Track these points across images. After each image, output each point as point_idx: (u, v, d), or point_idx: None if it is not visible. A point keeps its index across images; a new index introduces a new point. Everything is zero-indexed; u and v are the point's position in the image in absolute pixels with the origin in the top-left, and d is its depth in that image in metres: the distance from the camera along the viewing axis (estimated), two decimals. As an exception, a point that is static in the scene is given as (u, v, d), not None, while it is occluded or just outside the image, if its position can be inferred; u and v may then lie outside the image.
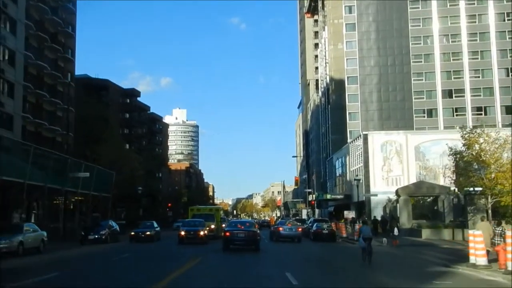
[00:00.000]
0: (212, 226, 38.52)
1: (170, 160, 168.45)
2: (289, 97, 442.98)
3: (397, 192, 52.55)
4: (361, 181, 68.12)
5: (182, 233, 33.37)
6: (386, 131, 69.08)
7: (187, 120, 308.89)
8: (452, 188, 46.61)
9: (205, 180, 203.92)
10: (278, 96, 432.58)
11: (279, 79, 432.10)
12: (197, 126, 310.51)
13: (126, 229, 52.13)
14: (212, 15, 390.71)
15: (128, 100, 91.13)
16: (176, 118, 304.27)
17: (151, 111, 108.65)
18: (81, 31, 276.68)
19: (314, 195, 69.33)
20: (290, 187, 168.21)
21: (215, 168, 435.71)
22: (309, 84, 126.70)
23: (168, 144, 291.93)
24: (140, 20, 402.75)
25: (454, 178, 42.68)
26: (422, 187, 51.13)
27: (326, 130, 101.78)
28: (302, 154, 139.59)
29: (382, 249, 31.57)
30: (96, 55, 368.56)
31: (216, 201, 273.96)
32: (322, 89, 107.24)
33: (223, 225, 45.88)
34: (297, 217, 73.06)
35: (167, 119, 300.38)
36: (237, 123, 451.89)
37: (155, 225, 40.15)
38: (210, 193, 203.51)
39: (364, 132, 68.08)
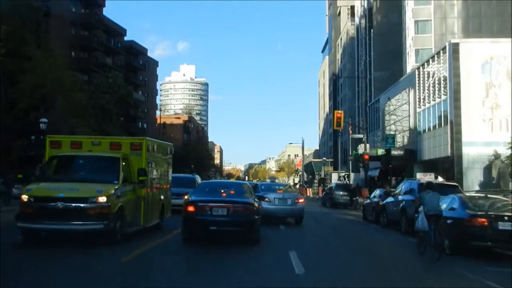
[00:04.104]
0: (101, 200, 11.46)
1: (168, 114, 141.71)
2: (309, 61, 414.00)
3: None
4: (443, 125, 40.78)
5: None
6: (491, 38, 41.02)
7: (195, 77, 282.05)
8: None
9: (211, 140, 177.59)
10: (296, 62, 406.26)
11: (298, 45, 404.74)
12: (206, 84, 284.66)
13: None
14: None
15: (87, 11, 63.51)
16: (184, 75, 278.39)
17: (129, 36, 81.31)
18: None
19: (365, 146, 41.38)
20: (309, 150, 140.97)
21: (227, 133, 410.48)
22: (339, 13, 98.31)
23: (168, 97, 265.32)
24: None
25: None
26: None
27: (366, 66, 74.18)
28: (327, 106, 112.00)
29: None
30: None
31: (227, 166, 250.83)
32: (361, 13, 79.02)
33: (186, 197, 19.25)
34: (343, 182, 45.46)
35: (173, 76, 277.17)
36: (251, 88, 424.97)
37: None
38: (217, 155, 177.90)
39: (454, 40, 40.17)
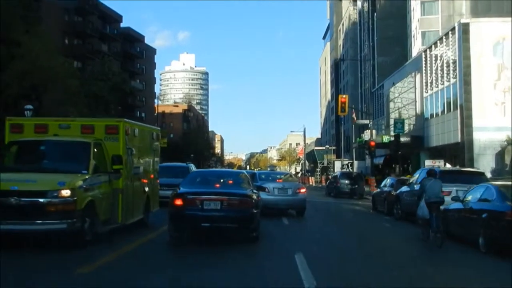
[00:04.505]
0: (64, 193, 9.46)
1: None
2: (310, 48, 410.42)
3: None
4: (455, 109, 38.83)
5: None
6: (502, 18, 38.95)
7: (195, 67, 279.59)
8: None
9: (211, 130, 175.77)
10: (297, 50, 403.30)
11: (299, 32, 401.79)
12: (206, 73, 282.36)
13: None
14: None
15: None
16: (184, 64, 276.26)
17: (128, 25, 79.27)
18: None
19: (371, 132, 39.28)
20: (311, 138, 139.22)
21: (228, 123, 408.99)
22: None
23: (168, 86, 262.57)
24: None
25: None
26: None
27: (369, 51, 72.04)
28: (329, 94, 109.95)
29: None
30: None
31: (228, 155, 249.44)
32: (364, -5, 76.82)
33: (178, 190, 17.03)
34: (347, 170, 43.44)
35: (173, 65, 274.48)
36: (252, 76, 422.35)
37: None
38: (217, 145, 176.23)
39: (464, 20, 38.24)
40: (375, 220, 19.06)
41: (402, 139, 45.41)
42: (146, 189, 13.76)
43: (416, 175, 17.64)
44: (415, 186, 16.11)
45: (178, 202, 11.27)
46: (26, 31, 43.99)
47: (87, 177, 10.38)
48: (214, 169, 21.02)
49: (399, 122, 40.46)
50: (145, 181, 13.82)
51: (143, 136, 13.83)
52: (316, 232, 14.88)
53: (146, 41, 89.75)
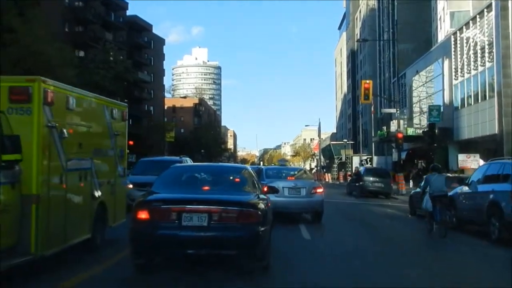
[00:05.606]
0: None
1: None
2: (324, 41, 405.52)
3: None
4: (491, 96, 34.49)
5: None
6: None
7: (208, 61, 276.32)
8: None
9: (224, 125, 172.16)
10: (311, 43, 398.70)
11: (313, 25, 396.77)
12: (219, 68, 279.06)
13: None
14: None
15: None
16: (196, 59, 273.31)
17: (135, 13, 75.63)
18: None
19: (398, 122, 34.34)
20: (326, 133, 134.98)
21: (242, 118, 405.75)
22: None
23: (181, 81, 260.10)
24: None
25: None
26: None
27: (390, 38, 67.61)
28: (345, 86, 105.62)
29: None
30: None
31: (241, 151, 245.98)
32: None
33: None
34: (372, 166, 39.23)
35: (185, 60, 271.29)
36: (265, 71, 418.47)
37: None
38: (230, 140, 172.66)
39: (503, -4, 33.83)
40: (422, 230, 14.52)
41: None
42: (97, 193, 9.24)
43: (481, 172, 13.45)
44: (478, 186, 12.00)
45: (143, 215, 7.26)
46: (19, 14, 40.74)
47: None
48: (204, 163, 16.41)
49: (435, 109, 35.95)
50: (96, 181, 9.28)
51: (91, 112, 9.29)
52: (352, 254, 10.22)
53: (160, 35, 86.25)
